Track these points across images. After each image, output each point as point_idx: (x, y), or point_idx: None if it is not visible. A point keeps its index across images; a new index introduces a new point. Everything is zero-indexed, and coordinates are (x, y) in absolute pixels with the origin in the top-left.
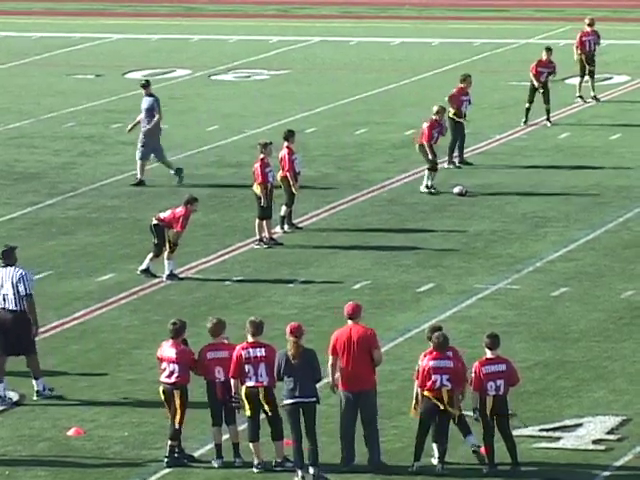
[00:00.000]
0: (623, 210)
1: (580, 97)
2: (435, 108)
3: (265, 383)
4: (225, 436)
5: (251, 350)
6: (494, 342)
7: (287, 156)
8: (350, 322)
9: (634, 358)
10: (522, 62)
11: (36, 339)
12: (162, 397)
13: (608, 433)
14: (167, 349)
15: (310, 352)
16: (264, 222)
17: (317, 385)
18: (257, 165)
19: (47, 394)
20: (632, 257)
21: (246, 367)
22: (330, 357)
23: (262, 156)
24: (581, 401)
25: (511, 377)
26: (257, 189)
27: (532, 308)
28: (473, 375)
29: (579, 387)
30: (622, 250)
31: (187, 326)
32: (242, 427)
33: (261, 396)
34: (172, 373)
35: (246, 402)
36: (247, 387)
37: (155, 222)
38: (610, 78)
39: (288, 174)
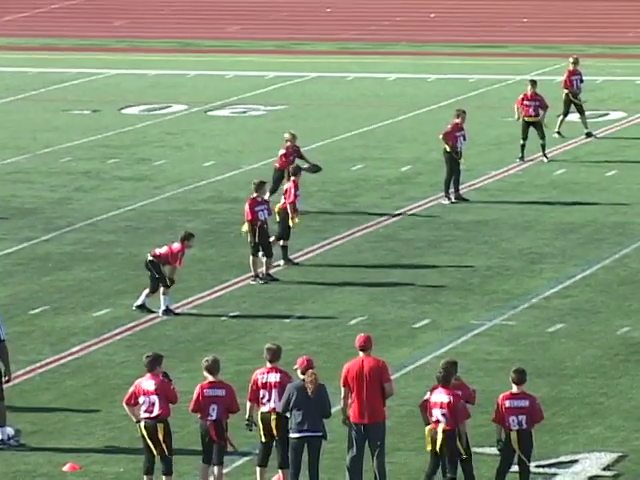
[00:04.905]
0: (619, 246)
1: (558, 133)
2: (287, 135)
3: (278, 409)
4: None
5: (267, 375)
6: (521, 377)
7: (292, 189)
8: (362, 354)
9: (630, 394)
10: None
11: (11, 384)
12: (144, 433)
13: (604, 469)
14: (145, 382)
15: (322, 387)
16: (264, 259)
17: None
18: (247, 204)
19: (12, 443)
20: (628, 293)
21: (261, 392)
22: (342, 389)
23: (254, 195)
24: (577, 437)
25: (534, 414)
26: (245, 227)
27: (528, 344)
28: (496, 407)
29: (575, 423)
30: (618, 286)
31: (162, 358)
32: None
33: (273, 423)
34: (152, 406)
35: (261, 427)
36: (262, 412)
37: (151, 258)
38: (606, 114)
39: (289, 206)
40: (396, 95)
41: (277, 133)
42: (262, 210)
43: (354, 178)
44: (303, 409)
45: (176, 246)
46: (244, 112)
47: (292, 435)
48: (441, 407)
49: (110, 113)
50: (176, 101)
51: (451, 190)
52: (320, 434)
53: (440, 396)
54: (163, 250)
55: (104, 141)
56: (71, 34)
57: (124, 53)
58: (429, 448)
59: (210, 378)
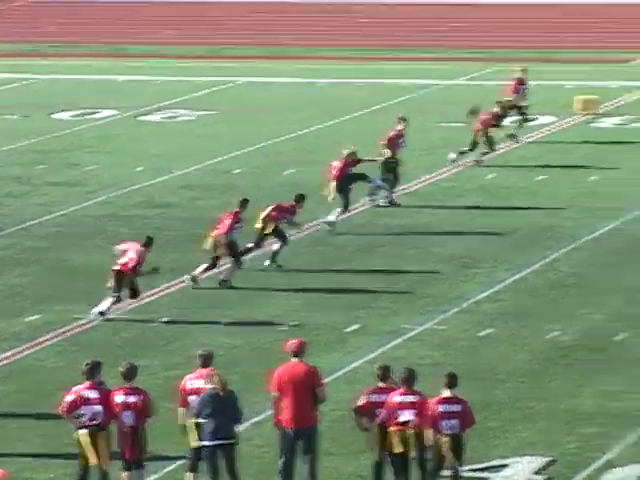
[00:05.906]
0: (549, 251)
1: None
2: (345, 151)
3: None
4: None
5: (196, 381)
6: (452, 381)
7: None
8: (294, 359)
9: (560, 398)
10: (449, 103)
11: None
12: (84, 441)
13: (535, 473)
14: (86, 391)
15: (232, 393)
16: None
17: (239, 426)
18: (229, 217)
19: None
20: (558, 297)
21: (190, 398)
22: (273, 394)
23: (237, 210)
24: (508, 442)
25: (466, 419)
26: (217, 238)
27: (458, 348)
28: (429, 412)
29: (506, 427)
30: (548, 290)
31: (101, 365)
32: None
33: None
34: (95, 415)
35: (191, 433)
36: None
37: (117, 268)
38: (535, 119)
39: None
40: (327, 100)
41: (208, 138)
42: (237, 228)
43: (286, 183)
44: (215, 417)
45: (132, 256)
46: (174, 117)
47: (205, 443)
48: (411, 407)
49: (40, 118)
50: (106, 106)
51: (386, 194)
52: (233, 441)
53: (407, 397)
54: (125, 259)
55: (35, 146)
56: (1, 39)
57: (54, 58)
58: (398, 450)
59: (126, 385)
